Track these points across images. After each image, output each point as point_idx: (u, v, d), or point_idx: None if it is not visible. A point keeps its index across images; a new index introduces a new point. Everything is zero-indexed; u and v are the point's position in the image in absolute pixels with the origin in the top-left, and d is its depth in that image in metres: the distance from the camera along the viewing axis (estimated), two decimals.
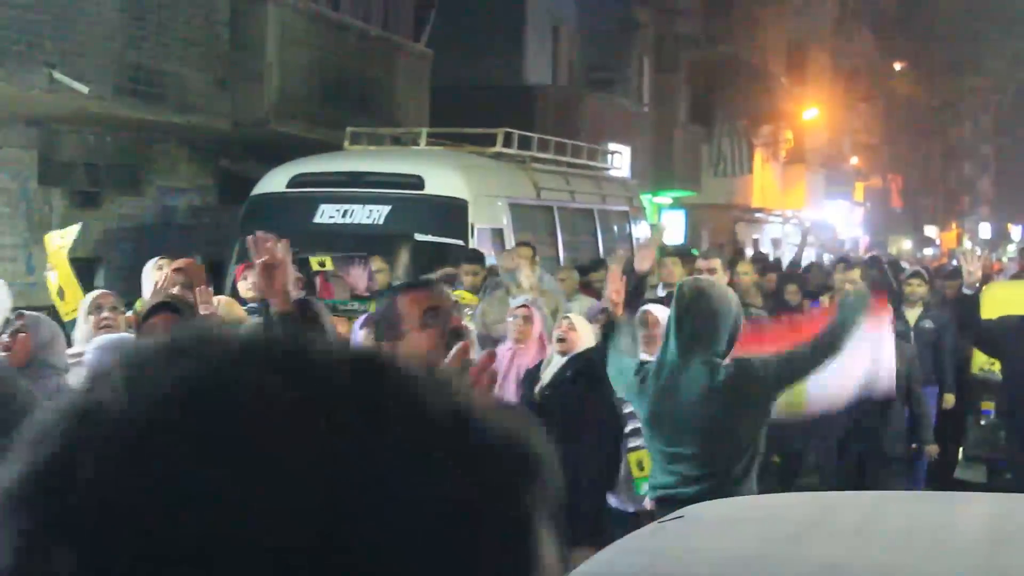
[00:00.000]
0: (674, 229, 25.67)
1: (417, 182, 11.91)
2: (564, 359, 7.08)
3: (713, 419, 5.17)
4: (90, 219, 13.50)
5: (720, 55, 29.99)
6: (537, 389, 7.07)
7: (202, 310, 5.26)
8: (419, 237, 11.27)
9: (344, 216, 11.77)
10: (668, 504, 4.96)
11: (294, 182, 12.16)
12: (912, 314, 10.70)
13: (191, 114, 13.32)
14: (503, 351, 7.80)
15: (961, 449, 11.02)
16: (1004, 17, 57.17)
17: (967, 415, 10.88)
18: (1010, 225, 66.10)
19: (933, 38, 54.74)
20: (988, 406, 10.71)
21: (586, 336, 7.12)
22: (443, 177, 12.04)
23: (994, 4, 56.17)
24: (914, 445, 9.66)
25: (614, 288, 5.90)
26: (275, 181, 12.32)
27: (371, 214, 11.75)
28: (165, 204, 14.72)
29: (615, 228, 15.15)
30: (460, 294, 8.88)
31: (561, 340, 7.15)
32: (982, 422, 10.77)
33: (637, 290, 7.52)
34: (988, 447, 10.69)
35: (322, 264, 9.57)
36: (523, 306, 8.08)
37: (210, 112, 13.60)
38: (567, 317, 7.44)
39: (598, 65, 25.14)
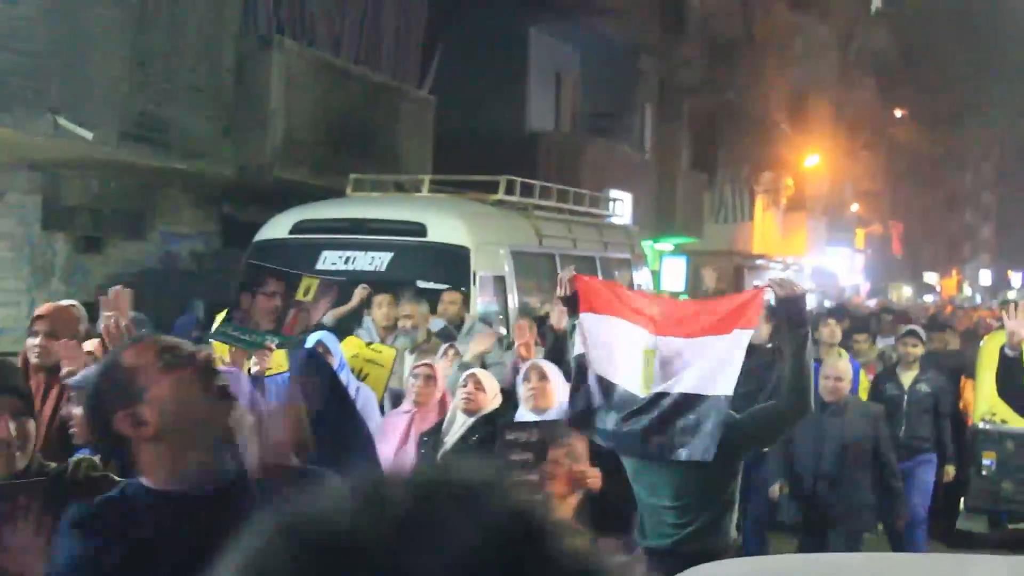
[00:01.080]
0: (676, 275, 25.67)
1: (419, 229, 11.91)
2: (471, 420, 6.41)
3: (687, 472, 5.14)
4: (93, 264, 13.53)
5: (722, 103, 30.13)
6: (440, 454, 6.28)
7: (65, 365, 4.15)
8: (421, 284, 11.25)
9: (346, 263, 11.76)
10: (651, 555, 5.00)
11: (297, 228, 12.16)
12: (907, 376, 10.04)
13: (195, 160, 13.34)
14: (400, 414, 7.07)
15: (962, 500, 10.90)
16: (1005, 67, 57.51)
17: (968, 466, 10.74)
18: (1010, 272, 66.19)
19: (935, 87, 55.05)
20: (989, 456, 10.59)
21: (494, 395, 6.52)
22: (445, 225, 12.04)
23: (995, 54, 56.53)
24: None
25: (522, 341, 5.58)
26: (278, 227, 12.32)
27: (373, 261, 11.74)
28: (168, 249, 14.73)
29: (617, 275, 15.13)
30: (377, 347, 7.99)
31: (466, 399, 6.43)
32: (983, 473, 10.62)
33: (555, 349, 6.85)
34: (989, 498, 10.60)
35: (307, 293, 8.29)
36: (425, 364, 7.17)
37: (214, 158, 13.62)
38: (473, 374, 6.63)
39: (600, 112, 25.23)
